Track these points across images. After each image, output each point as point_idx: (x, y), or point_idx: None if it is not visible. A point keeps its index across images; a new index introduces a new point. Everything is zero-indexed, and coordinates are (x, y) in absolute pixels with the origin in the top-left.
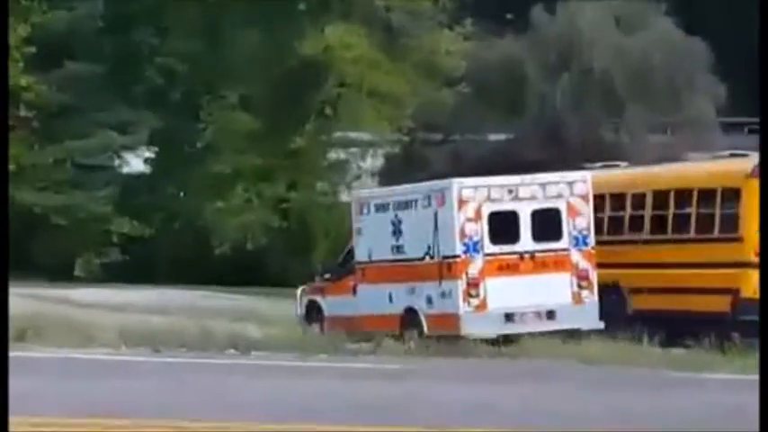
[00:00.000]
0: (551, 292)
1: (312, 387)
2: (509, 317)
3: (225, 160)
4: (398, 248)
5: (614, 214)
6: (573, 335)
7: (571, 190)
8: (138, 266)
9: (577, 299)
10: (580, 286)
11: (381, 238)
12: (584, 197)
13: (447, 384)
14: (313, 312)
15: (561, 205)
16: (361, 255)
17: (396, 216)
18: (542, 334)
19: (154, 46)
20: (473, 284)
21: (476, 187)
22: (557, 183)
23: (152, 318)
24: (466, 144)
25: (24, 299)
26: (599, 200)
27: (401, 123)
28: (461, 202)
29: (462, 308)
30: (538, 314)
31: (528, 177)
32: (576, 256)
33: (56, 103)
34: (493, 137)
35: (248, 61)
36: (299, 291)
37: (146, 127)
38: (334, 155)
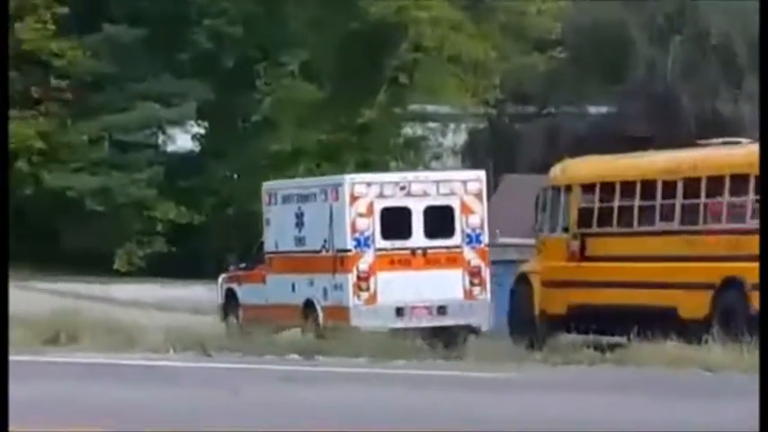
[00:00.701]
0: (443, 288)
1: (416, 397)
2: (399, 311)
3: (284, 136)
4: (300, 240)
5: (735, 199)
6: (692, 340)
7: (465, 188)
8: (185, 259)
9: (469, 295)
10: (472, 283)
11: (286, 229)
12: (478, 195)
13: (571, 394)
14: (231, 301)
15: (455, 203)
16: (269, 245)
17: (299, 208)
18: (650, 339)
19: (203, 6)
20: (363, 278)
21: (368, 183)
22: (450, 181)
23: (202, 318)
24: (562, 117)
25: (57, 296)
26: (716, 182)
27: (487, 94)
28: (353, 198)
29: (352, 301)
30: (429, 309)
31: (422, 174)
32: (468, 253)
33: (91, 71)
34: (593, 109)
35: (311, 23)
36: (219, 279)
37: (193, 99)
38: (409, 130)
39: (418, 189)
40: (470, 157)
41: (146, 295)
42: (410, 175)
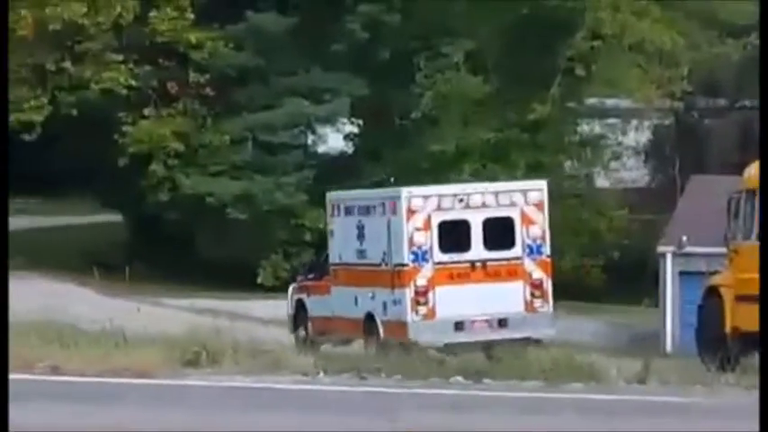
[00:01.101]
0: (503, 301)
1: (593, 424)
2: (459, 325)
3: (446, 135)
4: (362, 253)
5: None
6: None
7: (525, 198)
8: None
9: (530, 307)
10: (533, 295)
11: (349, 241)
12: (539, 205)
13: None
14: (301, 312)
15: (515, 214)
16: (333, 256)
17: (360, 221)
18: None
19: None
20: (421, 293)
21: (425, 197)
22: (510, 191)
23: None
24: (757, 112)
25: (194, 313)
26: None
27: (673, 86)
28: (410, 212)
29: (410, 316)
30: (489, 322)
31: (481, 186)
32: (529, 265)
33: (234, 64)
34: None
35: (475, 9)
36: (290, 288)
37: (346, 94)
38: (586, 127)
39: (477, 201)
40: (654, 156)
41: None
42: (469, 187)
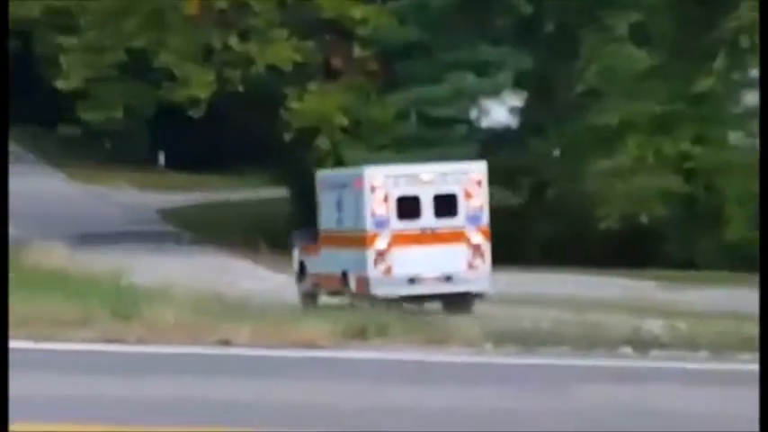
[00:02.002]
0: (449, 261)
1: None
2: (412, 280)
3: (611, 108)
4: (340, 221)
5: None
6: None
7: (468, 177)
8: (501, 245)
9: (471, 266)
10: (474, 256)
11: (330, 211)
12: (479, 182)
13: None
14: (302, 269)
15: (458, 190)
16: (321, 223)
17: (338, 194)
18: None
19: None
20: (381, 254)
21: (385, 176)
22: (455, 172)
23: (522, 309)
24: None
25: None
26: None
27: None
28: (372, 188)
29: (372, 272)
30: (437, 278)
31: (430, 167)
32: (470, 231)
33: (398, 39)
34: None
35: None
36: (294, 251)
37: (510, 68)
38: (750, 99)
39: (427, 179)
40: None
41: None
42: (421, 168)
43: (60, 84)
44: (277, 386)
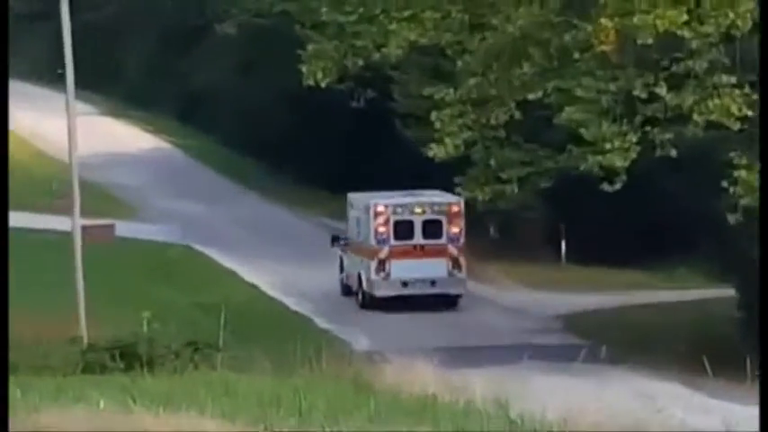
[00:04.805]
0: (433, 270)
1: None
2: (405, 284)
3: None
4: (358, 235)
5: None
6: None
7: (450, 208)
8: None
9: (451, 275)
10: (453, 267)
11: (352, 227)
12: (458, 213)
13: None
14: (342, 266)
15: (443, 218)
16: (349, 234)
17: (358, 215)
18: None
19: None
20: (381, 263)
21: (386, 205)
22: (440, 203)
23: None
24: None
25: None
26: None
27: None
28: (376, 214)
29: (374, 277)
30: (424, 282)
31: (422, 199)
32: (450, 249)
33: None
34: None
35: None
36: (339, 251)
37: None
38: None
39: (419, 209)
40: None
41: None
42: (414, 200)
43: (432, 150)
44: None
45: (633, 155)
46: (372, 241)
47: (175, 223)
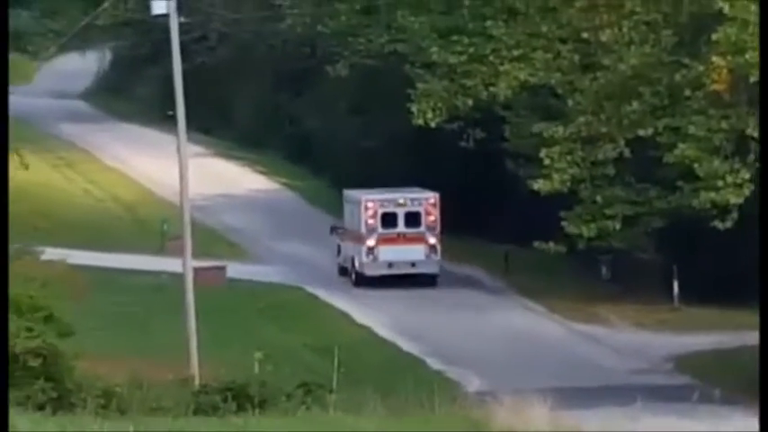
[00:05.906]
0: (414, 254)
1: None
2: (390, 265)
3: None
4: (351, 224)
5: None
6: None
7: (427, 201)
8: None
9: (428, 257)
10: (429, 251)
11: (347, 218)
12: (434, 205)
13: None
14: (339, 250)
15: (421, 209)
16: (345, 224)
17: (351, 208)
18: None
19: None
20: (370, 248)
21: (374, 200)
22: (419, 197)
23: None
24: None
25: None
26: None
27: None
28: (366, 208)
29: (365, 259)
30: (406, 264)
31: (404, 194)
32: (427, 236)
33: None
34: None
35: None
36: (337, 239)
37: None
38: None
39: (401, 202)
40: None
41: None
42: (398, 195)
43: (538, 185)
44: None
45: (746, 192)
46: (363, 230)
47: (286, 264)
